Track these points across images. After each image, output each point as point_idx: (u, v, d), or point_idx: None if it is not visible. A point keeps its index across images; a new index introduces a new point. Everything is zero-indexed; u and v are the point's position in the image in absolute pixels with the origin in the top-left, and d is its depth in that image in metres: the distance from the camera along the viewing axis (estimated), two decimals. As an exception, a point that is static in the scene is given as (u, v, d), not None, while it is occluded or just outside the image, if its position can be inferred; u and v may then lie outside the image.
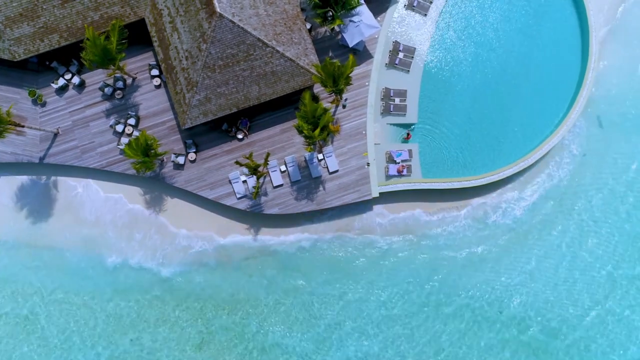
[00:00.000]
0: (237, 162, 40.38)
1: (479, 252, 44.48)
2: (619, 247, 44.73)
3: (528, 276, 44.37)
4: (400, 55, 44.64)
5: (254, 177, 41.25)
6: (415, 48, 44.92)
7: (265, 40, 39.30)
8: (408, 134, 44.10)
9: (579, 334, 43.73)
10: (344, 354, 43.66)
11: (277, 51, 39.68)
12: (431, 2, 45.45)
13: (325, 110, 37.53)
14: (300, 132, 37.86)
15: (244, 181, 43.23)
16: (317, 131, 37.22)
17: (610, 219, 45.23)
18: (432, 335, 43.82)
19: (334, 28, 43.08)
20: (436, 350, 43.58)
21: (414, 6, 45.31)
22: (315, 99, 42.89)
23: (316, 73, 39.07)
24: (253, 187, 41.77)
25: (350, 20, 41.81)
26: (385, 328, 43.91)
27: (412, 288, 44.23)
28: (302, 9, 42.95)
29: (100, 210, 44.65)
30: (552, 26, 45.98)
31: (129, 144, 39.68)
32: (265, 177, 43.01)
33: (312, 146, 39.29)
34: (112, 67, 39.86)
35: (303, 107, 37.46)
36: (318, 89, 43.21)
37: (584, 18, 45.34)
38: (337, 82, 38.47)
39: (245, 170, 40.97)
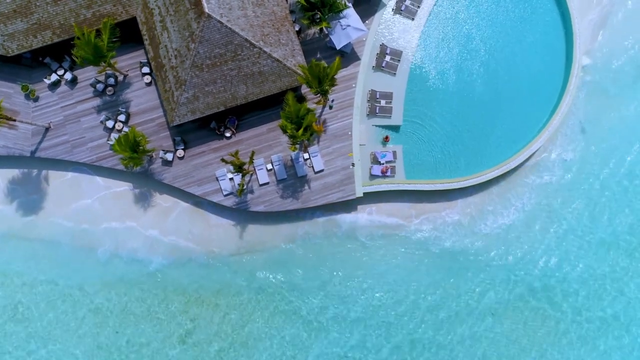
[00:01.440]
0: (223, 160, 41.18)
1: (456, 249, 45.34)
2: (598, 249, 45.55)
3: (510, 273, 45.28)
4: (387, 58, 45.46)
5: (241, 175, 42.02)
6: (402, 51, 45.74)
7: (252, 41, 40.15)
8: (386, 137, 44.79)
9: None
10: (325, 347, 44.48)
11: (265, 52, 40.53)
12: (419, 7, 46.25)
13: (309, 111, 38.38)
14: (285, 131, 38.68)
15: (231, 179, 44.06)
16: (300, 131, 38.05)
17: (592, 222, 45.98)
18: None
19: (322, 30, 43.89)
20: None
21: (401, 10, 46.12)
22: (301, 99, 43.77)
23: (301, 74, 39.86)
24: (238, 184, 42.56)
25: (338, 23, 42.66)
26: (369, 318, 44.95)
27: (396, 283, 45.14)
28: (291, 11, 43.79)
29: (89, 204, 45.41)
30: (538, 33, 46.79)
31: (118, 140, 40.52)
32: (251, 175, 43.83)
33: (296, 146, 40.07)
34: (103, 64, 40.71)
35: (287, 107, 38.33)
36: (305, 89, 44.02)
37: (569, 27, 46.17)
38: (322, 83, 39.30)
39: (232, 168, 41.76)
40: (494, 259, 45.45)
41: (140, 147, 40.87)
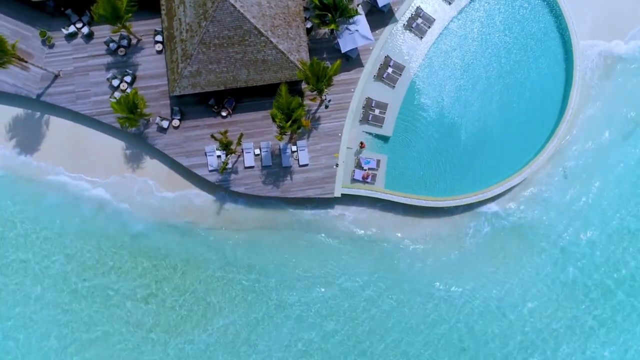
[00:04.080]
0: (212, 136, 42.91)
1: (427, 263, 46.94)
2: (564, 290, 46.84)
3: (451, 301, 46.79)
4: (389, 70, 46.94)
5: (225, 153, 43.68)
6: (405, 66, 47.19)
7: (261, 30, 41.88)
8: (362, 143, 46.12)
9: None
10: (286, 331, 46.23)
11: (271, 42, 42.24)
12: (429, 27, 47.66)
13: (300, 105, 39.97)
14: (274, 120, 40.35)
15: (219, 156, 45.79)
16: (288, 123, 39.66)
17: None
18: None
19: (332, 32, 45.48)
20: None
21: (412, 27, 47.57)
22: (300, 94, 45.39)
23: (301, 69, 41.48)
24: (223, 162, 44.27)
25: (347, 28, 44.25)
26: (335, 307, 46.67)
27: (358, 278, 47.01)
28: (306, 8, 45.40)
29: (83, 156, 47.25)
30: (540, 74, 47.99)
31: (118, 100, 42.45)
32: (238, 156, 45.53)
33: (283, 136, 41.69)
34: (119, 24, 42.63)
35: (280, 98, 39.96)
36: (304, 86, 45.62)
37: (571, 70, 47.36)
38: (320, 81, 40.90)
39: (219, 145, 43.37)
40: (438, 290, 46.86)
41: (138, 110, 42.74)
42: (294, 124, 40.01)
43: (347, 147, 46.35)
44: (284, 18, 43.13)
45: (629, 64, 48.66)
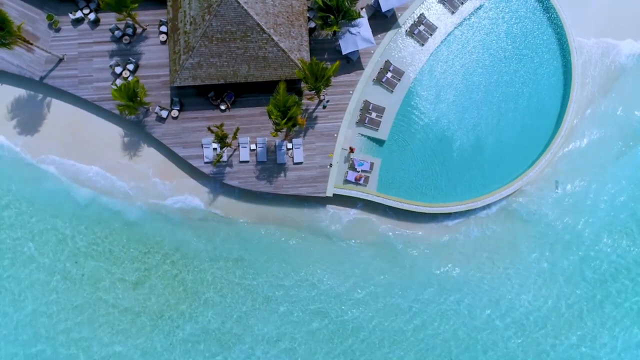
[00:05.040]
0: (208, 128, 43.51)
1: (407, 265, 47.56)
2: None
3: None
4: (389, 75, 47.42)
5: (220, 146, 44.25)
6: (404, 72, 47.65)
7: (264, 27, 42.43)
8: (351, 148, 46.58)
9: None
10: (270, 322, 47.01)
11: (272, 39, 42.79)
12: (431, 35, 48.10)
13: (296, 103, 40.52)
14: (270, 116, 40.92)
15: (215, 148, 46.39)
16: (284, 120, 40.21)
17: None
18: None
19: (335, 33, 45.98)
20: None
21: (414, 34, 48.02)
22: (299, 93, 45.94)
23: (300, 67, 42.02)
24: (217, 154, 44.85)
25: (349, 30, 44.73)
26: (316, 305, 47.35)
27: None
28: (310, 8, 45.90)
29: (82, 140, 47.89)
30: (538, 87, 48.41)
31: (119, 87, 43.10)
32: (234, 150, 46.11)
33: (278, 133, 42.24)
34: (125, 13, 43.26)
35: (277, 95, 40.53)
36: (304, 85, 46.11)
37: (569, 85, 47.76)
38: (318, 81, 41.42)
39: (214, 137, 43.94)
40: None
41: (138, 98, 43.37)
42: (289, 121, 40.55)
43: (342, 148, 46.86)
44: (287, 17, 43.66)
45: (627, 82, 49.03)
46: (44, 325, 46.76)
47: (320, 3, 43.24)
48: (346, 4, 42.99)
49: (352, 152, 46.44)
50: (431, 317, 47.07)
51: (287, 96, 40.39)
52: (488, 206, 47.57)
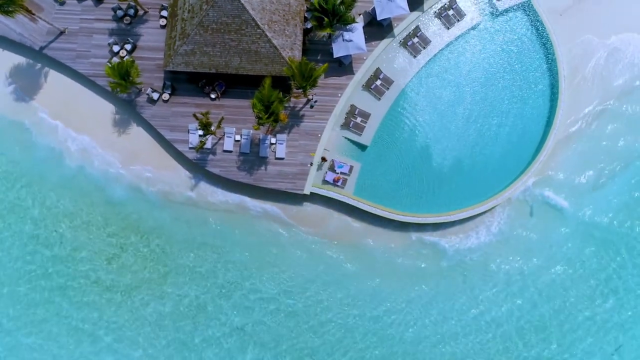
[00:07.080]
0: (194, 115, 44.58)
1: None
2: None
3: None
4: (378, 82, 48.30)
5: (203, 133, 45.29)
6: (394, 81, 48.51)
7: (259, 22, 43.44)
8: (323, 158, 47.43)
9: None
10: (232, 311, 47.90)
11: (266, 35, 43.79)
12: (424, 48, 48.91)
13: (279, 99, 41.50)
14: (253, 109, 41.94)
15: (200, 135, 47.41)
16: (266, 115, 41.22)
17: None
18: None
19: (330, 36, 46.91)
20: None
21: (407, 45, 48.86)
22: (288, 90, 46.89)
23: (289, 65, 43.00)
24: (200, 141, 45.94)
25: (342, 34, 45.65)
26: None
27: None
28: (309, 9, 46.80)
29: (74, 112, 49.09)
30: (523, 110, 49.15)
31: (112, 65, 44.24)
32: (219, 139, 47.13)
33: (260, 127, 43.22)
34: (127, -6, 44.49)
35: (262, 89, 41.53)
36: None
37: (552, 118, 48.51)
38: (305, 80, 42.40)
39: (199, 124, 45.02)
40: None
41: (130, 78, 44.50)
42: (271, 116, 41.52)
43: (325, 149, 47.78)
44: (283, 15, 44.63)
45: (612, 116, 49.76)
46: (23, 293, 48.23)
47: (317, 5, 44.17)
48: (341, 8, 43.90)
49: (324, 161, 47.38)
50: (391, 333, 47.94)
51: (271, 92, 41.40)
52: (461, 222, 48.30)
